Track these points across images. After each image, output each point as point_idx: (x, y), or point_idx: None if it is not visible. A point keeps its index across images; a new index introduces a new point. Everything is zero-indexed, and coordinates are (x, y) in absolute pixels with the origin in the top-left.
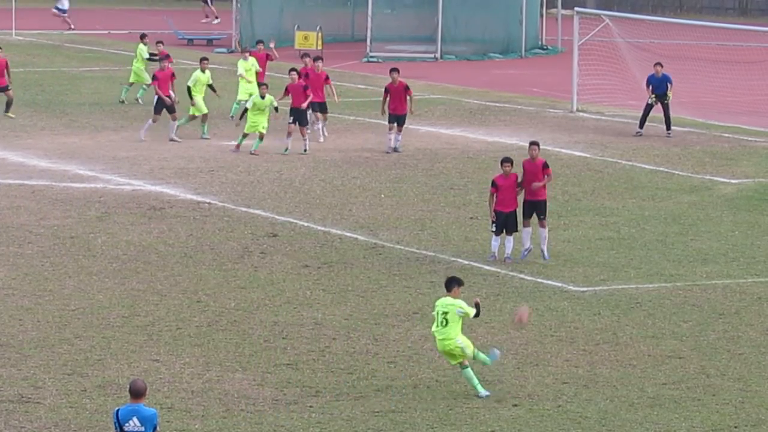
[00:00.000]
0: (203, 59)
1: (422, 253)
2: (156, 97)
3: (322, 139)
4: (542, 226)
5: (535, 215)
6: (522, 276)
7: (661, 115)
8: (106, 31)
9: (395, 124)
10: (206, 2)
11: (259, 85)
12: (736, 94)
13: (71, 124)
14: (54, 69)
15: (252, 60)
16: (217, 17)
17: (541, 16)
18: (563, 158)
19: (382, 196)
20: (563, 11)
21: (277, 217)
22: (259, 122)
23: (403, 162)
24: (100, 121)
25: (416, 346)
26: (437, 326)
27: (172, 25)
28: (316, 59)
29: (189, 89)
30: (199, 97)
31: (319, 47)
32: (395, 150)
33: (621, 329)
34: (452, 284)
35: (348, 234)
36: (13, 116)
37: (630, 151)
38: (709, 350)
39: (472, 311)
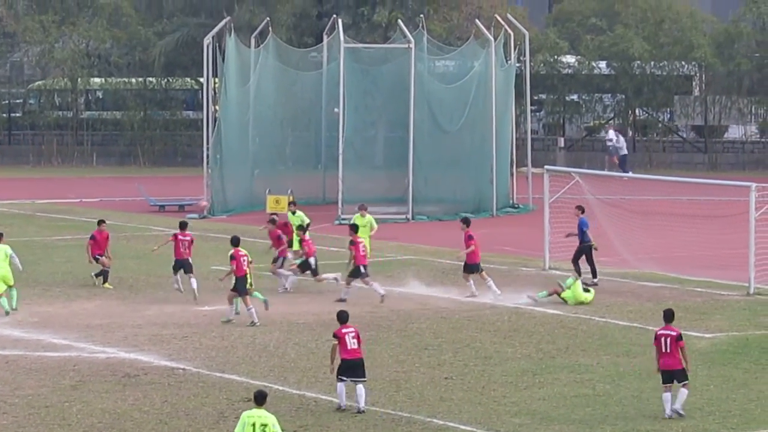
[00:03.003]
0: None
1: (398, 414)
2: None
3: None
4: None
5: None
6: None
7: (635, 271)
8: (78, 200)
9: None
10: None
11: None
12: (707, 248)
13: (44, 294)
14: (26, 239)
15: None
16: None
17: (512, 174)
18: (537, 316)
19: None
20: (533, 169)
21: (251, 381)
22: None
23: (377, 323)
24: (73, 290)
25: None
26: None
27: (143, 192)
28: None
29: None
30: None
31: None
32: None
33: None
34: None
35: (323, 397)
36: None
37: (603, 308)
38: None
39: None
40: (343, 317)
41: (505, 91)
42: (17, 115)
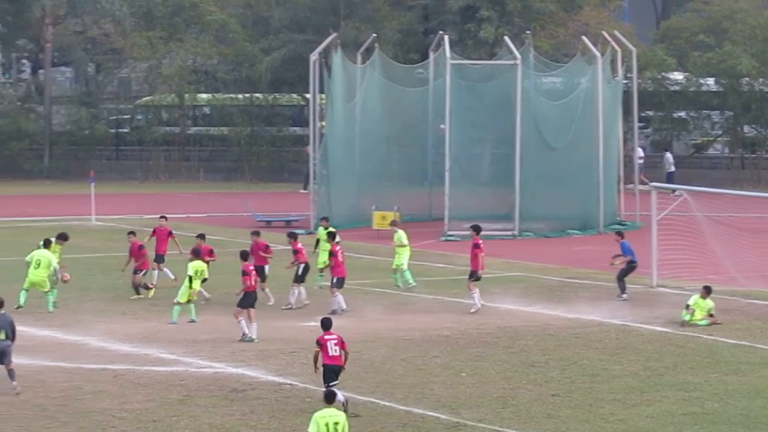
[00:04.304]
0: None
1: (504, 431)
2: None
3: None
4: None
5: None
6: None
7: (743, 288)
8: (185, 215)
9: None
10: None
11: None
12: None
13: (151, 308)
14: None
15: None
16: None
17: (619, 191)
18: (644, 334)
19: (463, 374)
20: (641, 186)
21: (358, 397)
22: None
23: (483, 340)
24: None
25: None
26: None
27: (249, 208)
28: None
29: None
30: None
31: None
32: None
33: None
34: None
35: (430, 413)
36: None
37: (711, 326)
38: None
39: None
40: (326, 324)
41: (611, 108)
42: (125, 130)
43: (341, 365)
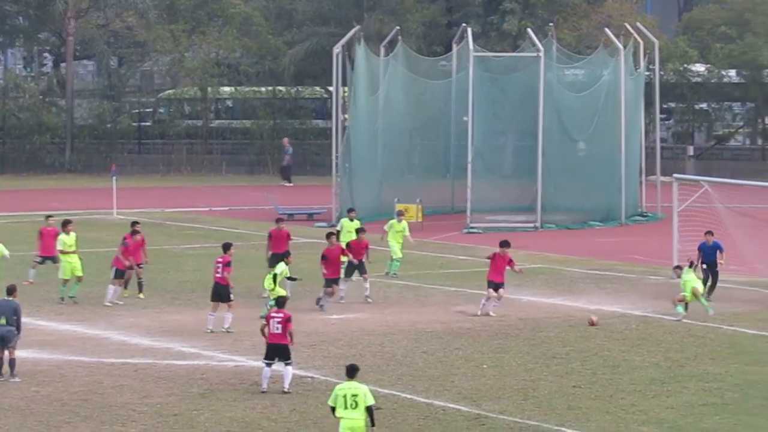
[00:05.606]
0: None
1: (526, 423)
2: None
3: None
4: None
5: None
6: None
7: (764, 279)
8: (207, 208)
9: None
10: None
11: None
12: None
13: (173, 302)
14: (156, 247)
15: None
16: None
17: (641, 183)
18: (665, 325)
19: (485, 366)
20: (662, 178)
21: (380, 389)
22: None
23: (504, 332)
24: (202, 299)
25: None
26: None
27: (272, 201)
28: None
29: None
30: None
31: (420, 219)
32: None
33: None
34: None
35: (451, 405)
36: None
37: (732, 317)
38: None
39: None
40: (279, 302)
41: (634, 100)
42: (148, 124)
43: (285, 344)
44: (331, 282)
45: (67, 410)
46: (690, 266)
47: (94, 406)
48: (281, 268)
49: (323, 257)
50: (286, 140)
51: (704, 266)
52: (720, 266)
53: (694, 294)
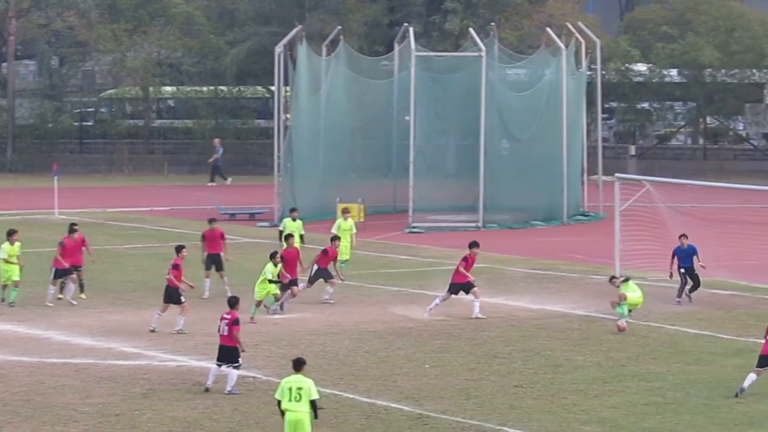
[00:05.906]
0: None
1: (468, 423)
2: None
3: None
4: None
5: None
6: None
7: (704, 279)
8: (149, 208)
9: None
10: None
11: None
12: None
13: (115, 302)
14: (97, 247)
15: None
16: None
17: (582, 182)
18: (607, 324)
19: (427, 366)
20: (604, 177)
21: (322, 389)
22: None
23: (447, 332)
24: (144, 299)
25: None
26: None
27: (214, 201)
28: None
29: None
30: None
31: (362, 219)
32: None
33: None
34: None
35: (393, 405)
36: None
37: (674, 316)
38: None
39: None
40: (230, 302)
41: (576, 100)
42: (89, 123)
43: (232, 346)
44: (290, 284)
45: (9, 410)
46: (625, 281)
47: (36, 406)
48: (270, 269)
49: (282, 259)
50: (217, 141)
51: (681, 271)
52: (701, 270)
53: (632, 304)
